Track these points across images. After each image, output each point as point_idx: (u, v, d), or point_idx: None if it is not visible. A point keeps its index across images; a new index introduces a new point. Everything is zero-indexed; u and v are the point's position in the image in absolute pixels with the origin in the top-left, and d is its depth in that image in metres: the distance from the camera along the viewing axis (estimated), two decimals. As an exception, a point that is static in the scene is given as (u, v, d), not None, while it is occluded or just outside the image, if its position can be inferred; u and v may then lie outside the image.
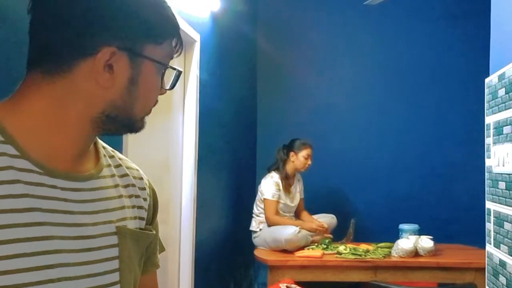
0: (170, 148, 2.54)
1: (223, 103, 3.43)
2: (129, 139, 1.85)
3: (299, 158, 3.66)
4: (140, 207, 0.83)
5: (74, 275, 0.68)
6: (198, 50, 2.70)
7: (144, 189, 0.86)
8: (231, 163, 3.70)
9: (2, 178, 0.65)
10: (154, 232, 0.86)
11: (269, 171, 3.68)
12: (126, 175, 0.83)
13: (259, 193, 3.66)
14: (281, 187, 3.59)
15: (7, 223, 0.63)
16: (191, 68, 2.67)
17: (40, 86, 0.70)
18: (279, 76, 4.52)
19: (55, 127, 0.71)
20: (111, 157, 0.84)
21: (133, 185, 0.84)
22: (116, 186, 0.80)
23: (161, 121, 2.42)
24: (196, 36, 2.67)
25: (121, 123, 0.74)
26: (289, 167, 3.67)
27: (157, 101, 0.79)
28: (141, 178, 0.87)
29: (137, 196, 0.83)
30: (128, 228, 0.78)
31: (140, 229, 0.82)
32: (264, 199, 3.55)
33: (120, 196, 0.79)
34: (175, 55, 0.79)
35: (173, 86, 0.81)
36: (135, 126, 0.76)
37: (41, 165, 0.69)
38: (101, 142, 0.84)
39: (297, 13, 4.49)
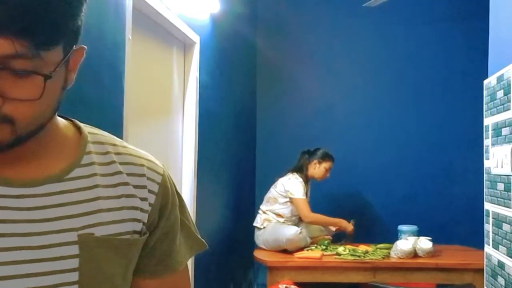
0: (170, 150, 2.55)
1: (222, 105, 3.44)
2: (129, 140, 1.86)
3: (321, 168, 3.69)
4: (133, 208, 0.72)
5: None
6: (198, 52, 2.71)
7: (144, 187, 0.74)
8: (230, 164, 3.70)
9: None
10: (145, 236, 0.74)
11: (291, 172, 3.67)
12: (118, 172, 0.73)
13: (275, 191, 3.63)
14: (305, 189, 3.61)
15: None
16: (190, 69, 2.68)
17: None
18: (278, 78, 4.53)
19: None
20: (104, 153, 0.74)
21: (126, 184, 0.73)
22: (94, 187, 0.70)
23: (161, 122, 2.43)
24: (196, 38, 2.68)
25: None
26: (309, 173, 3.70)
27: None
28: (143, 175, 0.75)
29: (130, 196, 0.73)
30: (94, 236, 0.67)
31: (135, 232, 0.72)
32: (295, 199, 3.53)
33: (96, 199, 0.70)
34: None
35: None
36: None
37: None
38: (98, 139, 0.75)
39: (297, 15, 4.50)
